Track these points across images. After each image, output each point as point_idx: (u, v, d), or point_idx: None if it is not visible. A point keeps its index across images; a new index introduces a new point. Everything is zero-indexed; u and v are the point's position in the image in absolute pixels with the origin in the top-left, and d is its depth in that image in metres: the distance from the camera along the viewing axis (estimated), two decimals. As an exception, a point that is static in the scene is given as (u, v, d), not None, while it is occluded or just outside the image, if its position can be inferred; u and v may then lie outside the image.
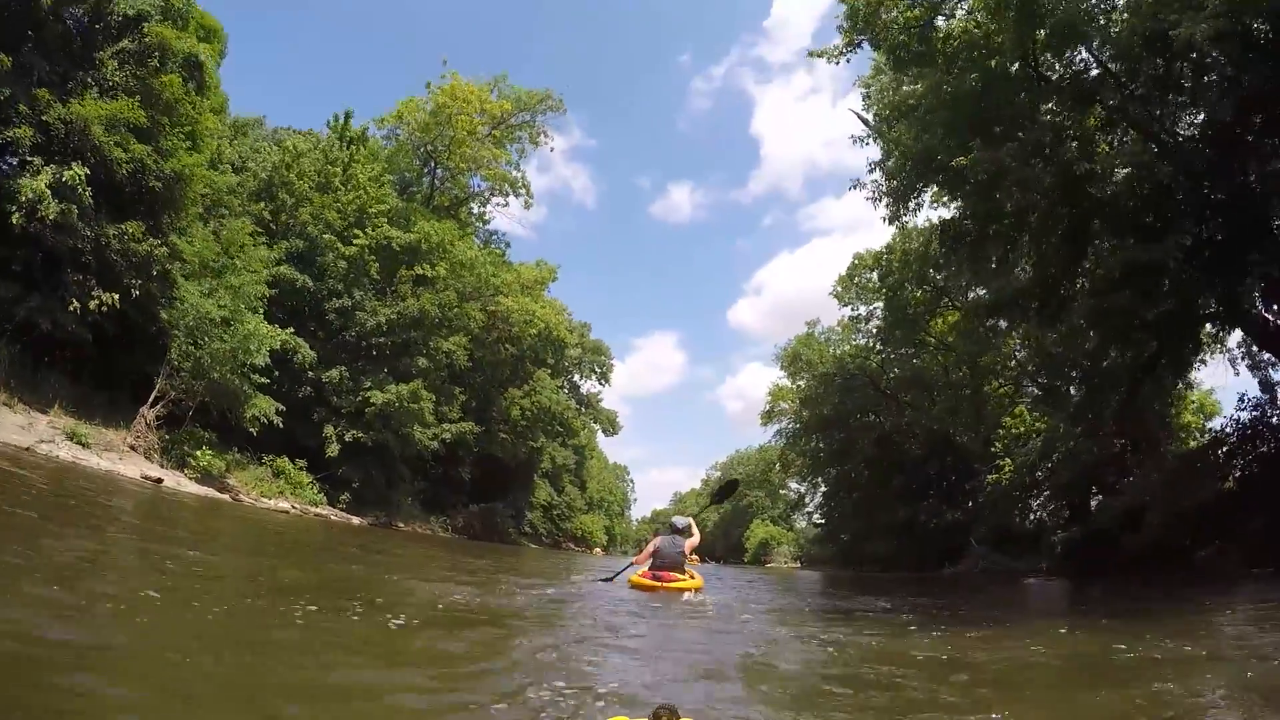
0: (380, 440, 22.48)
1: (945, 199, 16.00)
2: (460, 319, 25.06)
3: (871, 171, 20.04)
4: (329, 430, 22.26)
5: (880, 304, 34.68)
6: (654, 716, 2.26)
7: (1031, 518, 22.04)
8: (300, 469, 21.45)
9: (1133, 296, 11.95)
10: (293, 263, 22.49)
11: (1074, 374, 19.66)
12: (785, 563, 58.94)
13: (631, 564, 9.85)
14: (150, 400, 16.10)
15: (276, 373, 21.51)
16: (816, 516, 46.13)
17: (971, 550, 24.47)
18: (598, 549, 54.88)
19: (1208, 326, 15.20)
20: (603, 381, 54.21)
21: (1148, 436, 16.17)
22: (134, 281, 15.77)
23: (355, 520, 21.55)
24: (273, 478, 20.94)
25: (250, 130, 29.77)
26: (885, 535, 33.06)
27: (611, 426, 54.86)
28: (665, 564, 8.78)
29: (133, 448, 15.44)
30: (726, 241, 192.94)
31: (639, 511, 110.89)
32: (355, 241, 23.11)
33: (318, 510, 20.45)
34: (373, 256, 23.75)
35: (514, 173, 34.21)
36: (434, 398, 23.05)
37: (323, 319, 23.02)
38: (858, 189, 18.71)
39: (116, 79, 16.22)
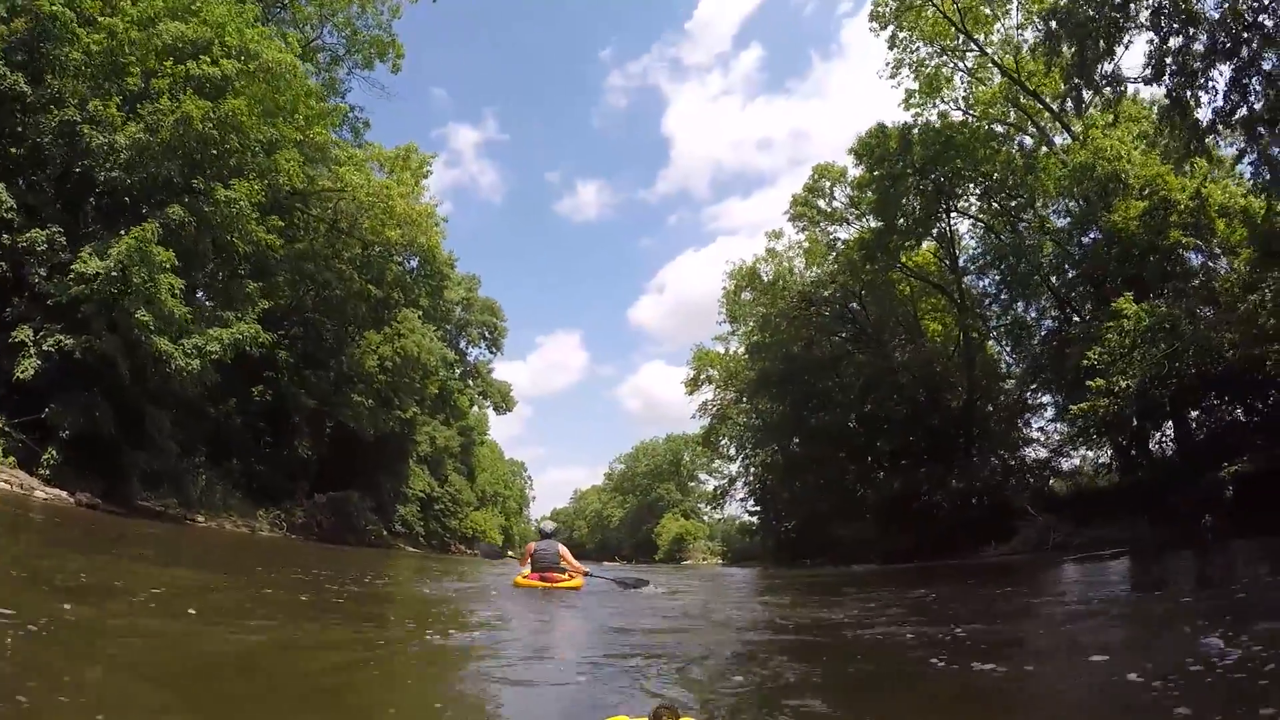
0: (101, 351, 12.63)
1: None
2: (261, 165, 15.58)
3: None
4: (23, 333, 12.37)
5: (844, 233, 28.35)
6: (654, 716, 2.19)
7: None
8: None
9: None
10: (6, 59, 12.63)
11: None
12: (704, 559, 51.97)
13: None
14: None
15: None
16: (751, 504, 39.22)
17: (1028, 522, 17.91)
18: (510, 553, 45.46)
19: None
20: (494, 350, 45.15)
21: None
22: None
23: (43, 495, 11.73)
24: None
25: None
26: (863, 517, 26.43)
27: (504, 401, 45.59)
28: (545, 565, 9.41)
29: None
30: (631, 240, 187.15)
31: (539, 510, 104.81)
32: (101, 21, 13.36)
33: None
34: (132, 55, 14.03)
35: (383, 36, 25.18)
36: (173, 260, 13.16)
37: (33, 143, 13.12)
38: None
39: None
